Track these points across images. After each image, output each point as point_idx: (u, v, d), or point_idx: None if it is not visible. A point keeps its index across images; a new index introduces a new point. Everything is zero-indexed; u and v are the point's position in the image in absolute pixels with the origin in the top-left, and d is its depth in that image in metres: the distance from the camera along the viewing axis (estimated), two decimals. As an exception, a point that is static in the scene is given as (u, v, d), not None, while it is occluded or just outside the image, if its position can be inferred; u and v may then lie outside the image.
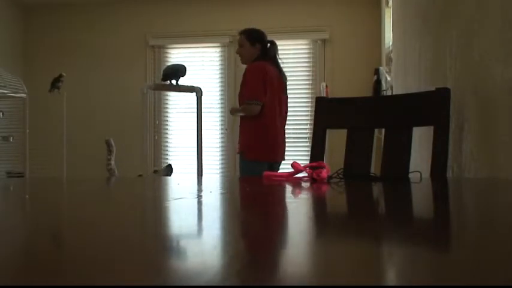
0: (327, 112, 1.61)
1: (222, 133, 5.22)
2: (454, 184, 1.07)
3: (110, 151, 4.15)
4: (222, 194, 0.79)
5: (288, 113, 5.14)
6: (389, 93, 3.87)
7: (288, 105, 5.50)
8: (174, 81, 3.45)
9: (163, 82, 3.58)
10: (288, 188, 0.86)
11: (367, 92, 4.62)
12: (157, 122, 5.33)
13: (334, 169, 1.07)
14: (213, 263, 0.28)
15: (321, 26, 5.09)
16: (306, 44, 5.18)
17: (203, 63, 5.32)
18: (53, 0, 5.43)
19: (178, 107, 5.37)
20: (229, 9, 5.23)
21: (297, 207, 0.61)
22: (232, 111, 3.17)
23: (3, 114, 4.49)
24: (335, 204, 0.70)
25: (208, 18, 5.23)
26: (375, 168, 1.82)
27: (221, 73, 5.24)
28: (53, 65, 5.22)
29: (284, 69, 5.18)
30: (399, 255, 0.31)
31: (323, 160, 1.53)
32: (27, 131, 4.54)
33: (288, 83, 5.17)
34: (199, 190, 0.85)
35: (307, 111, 5.08)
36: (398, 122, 1.47)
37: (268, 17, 5.17)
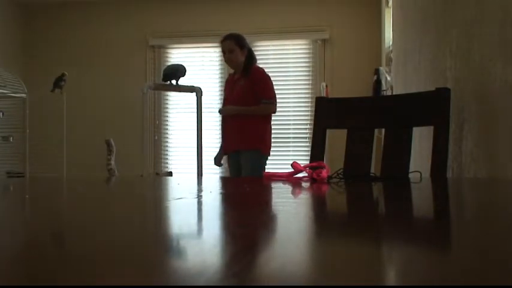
0: (327, 112, 1.61)
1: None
2: (454, 184, 1.07)
3: (110, 151, 4.15)
4: (222, 194, 0.79)
5: (288, 113, 5.17)
6: (389, 93, 3.87)
7: (288, 105, 5.51)
8: (174, 82, 3.45)
9: (163, 82, 3.58)
10: (288, 188, 0.86)
11: (367, 92, 4.62)
12: (157, 122, 5.33)
13: (334, 169, 1.07)
14: (213, 263, 0.28)
15: (321, 26, 5.09)
16: (306, 44, 5.18)
17: (203, 63, 5.32)
18: (53, 0, 5.43)
19: (178, 107, 5.37)
20: (229, 9, 5.23)
21: (297, 207, 0.61)
22: (246, 111, 3.16)
23: (3, 114, 4.49)
24: (335, 204, 0.70)
25: (208, 18, 5.23)
26: (375, 168, 1.82)
27: (221, 73, 5.24)
28: (53, 65, 5.21)
29: (284, 69, 5.21)
30: (399, 255, 0.31)
31: (323, 160, 1.53)
32: (27, 131, 4.54)
33: (288, 83, 5.21)
34: (199, 190, 0.85)
35: (307, 111, 5.07)
36: (398, 122, 1.47)
37: (268, 17, 5.17)
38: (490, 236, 0.38)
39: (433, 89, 1.43)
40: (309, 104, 5.05)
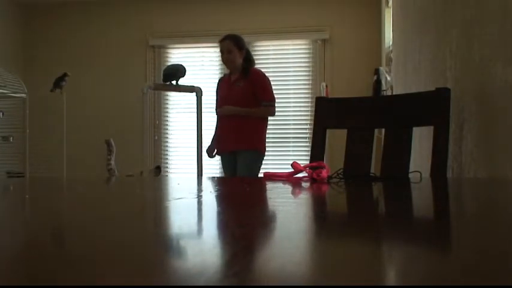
0: (327, 112, 1.61)
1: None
2: (454, 184, 1.07)
3: (110, 151, 4.15)
4: (221, 194, 0.79)
5: (288, 113, 5.17)
6: (389, 93, 3.87)
7: (288, 105, 5.52)
8: (174, 82, 3.45)
9: (163, 83, 3.58)
10: (288, 188, 0.86)
11: (367, 92, 4.62)
12: (157, 122, 5.33)
13: (334, 169, 1.07)
14: (213, 263, 0.28)
15: (321, 26, 5.09)
16: (306, 44, 5.18)
17: (203, 63, 5.32)
18: (53, 0, 5.43)
19: (178, 107, 5.37)
20: (229, 9, 5.23)
21: (297, 207, 0.61)
22: (247, 113, 3.17)
23: (3, 114, 4.49)
24: (335, 204, 0.70)
25: (208, 18, 5.23)
26: (375, 168, 1.82)
27: (221, 73, 5.24)
28: (53, 65, 5.21)
29: (284, 69, 5.21)
30: (399, 255, 0.31)
31: (323, 160, 1.53)
32: (27, 131, 4.54)
33: (287, 83, 5.21)
34: (199, 190, 0.85)
35: (307, 111, 5.08)
36: (398, 122, 1.47)
37: (268, 17, 5.17)
38: (490, 236, 0.38)
39: (433, 89, 1.43)
40: (309, 104, 5.05)
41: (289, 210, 0.57)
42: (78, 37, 5.49)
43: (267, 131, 5.21)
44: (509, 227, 0.42)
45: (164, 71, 3.57)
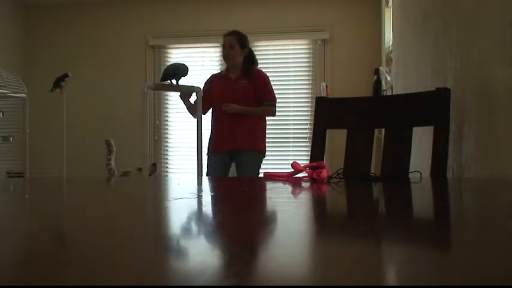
0: (327, 112, 1.61)
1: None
2: (454, 184, 1.07)
3: (110, 151, 4.15)
4: (221, 194, 0.79)
5: (288, 113, 5.17)
6: (389, 93, 3.87)
7: (288, 105, 5.51)
8: (174, 81, 3.41)
9: (162, 82, 3.56)
10: (288, 188, 0.86)
11: (367, 92, 4.62)
12: (157, 122, 5.33)
13: (334, 169, 1.07)
14: (213, 263, 0.28)
15: (321, 26, 5.09)
16: (306, 44, 5.18)
17: (203, 63, 5.32)
18: (53, 0, 5.43)
19: (178, 107, 5.36)
20: (229, 9, 5.23)
21: (297, 207, 0.61)
22: (251, 112, 3.15)
23: (3, 114, 4.49)
24: (335, 204, 0.70)
25: (208, 18, 5.23)
26: (375, 168, 1.82)
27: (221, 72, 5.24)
28: (53, 65, 5.21)
29: (284, 69, 5.21)
30: (399, 255, 0.31)
31: (323, 160, 1.53)
32: (27, 131, 4.54)
33: (287, 83, 5.21)
34: (199, 190, 0.85)
35: (307, 111, 5.07)
36: (398, 122, 1.47)
37: (268, 17, 5.17)
38: (490, 236, 0.38)
39: (433, 89, 1.43)
40: (309, 104, 5.05)
41: (289, 210, 0.57)
42: (78, 37, 5.49)
43: (267, 130, 5.23)
44: (509, 227, 0.42)
45: (165, 70, 3.54)
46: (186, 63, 3.51)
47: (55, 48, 5.50)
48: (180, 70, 3.20)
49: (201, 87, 3.63)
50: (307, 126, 5.06)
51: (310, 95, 5.09)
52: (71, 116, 4.79)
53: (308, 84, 5.15)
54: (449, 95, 1.38)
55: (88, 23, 5.49)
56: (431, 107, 1.40)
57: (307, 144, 4.94)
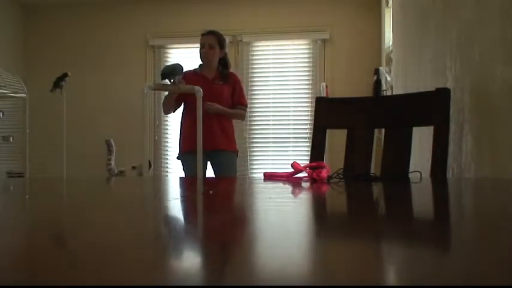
0: (327, 112, 1.61)
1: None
2: (454, 184, 1.07)
3: (110, 151, 4.15)
4: (221, 194, 0.79)
5: (288, 113, 5.17)
6: (389, 93, 3.87)
7: (288, 105, 5.50)
8: (172, 80, 3.35)
9: (161, 81, 3.52)
10: (288, 188, 0.86)
11: (367, 92, 4.62)
12: (157, 122, 5.33)
13: (334, 169, 1.07)
14: (213, 263, 0.28)
15: (321, 26, 5.09)
16: (306, 44, 5.18)
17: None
18: (53, 0, 5.43)
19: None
20: (229, 9, 5.23)
21: (297, 207, 0.61)
22: (225, 112, 3.13)
23: (3, 114, 4.49)
24: (335, 204, 0.70)
25: (208, 18, 5.23)
26: (375, 168, 1.82)
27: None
28: (53, 65, 5.21)
29: (284, 69, 5.21)
30: (399, 255, 0.31)
31: (323, 160, 1.53)
32: (27, 131, 4.54)
33: (287, 83, 5.21)
34: (199, 190, 0.85)
35: (307, 111, 5.08)
36: (398, 122, 1.47)
37: (269, 17, 5.17)
38: (490, 236, 0.38)
39: (433, 89, 1.43)
40: (309, 104, 5.05)
41: (289, 210, 0.57)
42: (78, 37, 5.49)
43: (267, 131, 5.24)
44: (509, 227, 0.42)
45: (162, 70, 3.52)
46: (186, 63, 3.47)
47: (55, 48, 5.50)
48: (176, 69, 3.19)
49: (201, 88, 3.61)
50: (307, 126, 5.06)
51: (310, 95, 5.09)
52: (71, 116, 4.79)
53: (308, 84, 5.15)
54: (449, 95, 1.38)
55: (88, 23, 5.49)
56: (431, 107, 1.40)
57: (307, 144, 4.94)
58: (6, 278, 0.24)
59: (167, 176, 5.40)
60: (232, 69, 3.46)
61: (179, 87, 3.28)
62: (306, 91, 5.15)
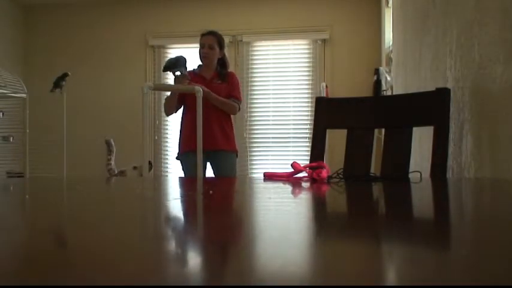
0: (327, 112, 1.61)
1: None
2: (454, 184, 1.07)
3: (110, 151, 4.15)
4: (221, 194, 0.79)
5: (288, 113, 5.17)
6: (389, 93, 3.87)
7: (288, 105, 5.50)
8: (178, 73, 3.29)
9: (164, 73, 3.48)
10: (288, 188, 0.86)
11: (367, 92, 4.62)
12: (157, 122, 5.33)
13: (334, 169, 1.07)
14: (212, 263, 0.28)
15: (321, 26, 5.09)
16: (306, 44, 5.18)
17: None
18: (53, 0, 5.43)
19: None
20: (229, 9, 5.23)
21: (297, 207, 0.61)
22: (216, 100, 3.11)
23: (3, 114, 4.49)
24: (335, 204, 0.70)
25: (208, 18, 5.23)
26: (374, 168, 1.82)
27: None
28: (53, 65, 5.21)
29: (284, 69, 5.21)
30: (399, 255, 0.31)
31: (323, 160, 1.53)
32: (27, 131, 4.54)
33: (287, 83, 5.21)
34: (199, 190, 0.85)
35: (307, 111, 5.08)
36: (398, 122, 1.47)
37: (269, 17, 5.17)
38: (490, 236, 0.38)
39: (433, 89, 1.43)
40: (309, 104, 5.05)
41: (289, 210, 0.57)
42: (78, 37, 5.49)
43: (267, 131, 5.24)
44: (509, 227, 0.42)
45: (165, 63, 3.46)
46: (186, 63, 3.44)
47: (55, 48, 5.51)
48: (179, 61, 3.18)
49: (201, 88, 3.61)
50: (307, 126, 5.06)
51: (310, 95, 5.10)
52: (71, 116, 4.79)
53: (308, 84, 5.15)
54: (449, 95, 1.38)
55: (88, 23, 5.49)
56: (431, 107, 1.40)
57: (307, 144, 4.94)
58: (7, 278, 0.24)
59: (167, 176, 5.40)
60: (232, 69, 3.46)
61: (179, 87, 3.28)
62: (306, 91, 5.15)
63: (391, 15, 3.87)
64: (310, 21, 5.10)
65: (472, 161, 1.31)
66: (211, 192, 0.81)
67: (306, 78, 5.16)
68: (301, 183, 0.96)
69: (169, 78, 5.31)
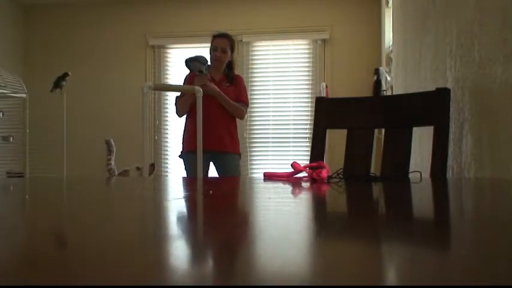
0: (327, 112, 1.61)
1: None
2: (454, 184, 1.07)
3: (110, 151, 4.15)
4: (221, 194, 0.79)
5: (288, 113, 5.18)
6: (389, 93, 3.87)
7: (288, 105, 5.50)
8: (202, 70, 3.25)
9: (188, 69, 3.37)
10: (288, 188, 0.86)
11: (367, 92, 4.62)
12: (157, 122, 5.33)
13: (334, 169, 1.07)
14: (212, 263, 0.28)
15: (321, 26, 5.09)
16: (306, 44, 5.18)
17: (203, 63, 5.32)
18: (53, 0, 5.43)
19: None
20: (229, 9, 5.23)
21: (297, 207, 0.61)
22: (224, 99, 3.09)
23: (3, 114, 4.49)
24: (335, 204, 0.70)
25: (208, 18, 5.23)
26: (375, 168, 1.82)
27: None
28: (53, 65, 5.22)
29: (284, 69, 5.21)
30: (399, 255, 0.31)
31: (323, 160, 1.53)
32: (27, 131, 4.54)
33: (287, 83, 5.21)
34: (199, 190, 0.85)
35: (307, 111, 5.08)
36: (398, 122, 1.47)
37: (269, 17, 5.17)
38: (490, 236, 0.38)
39: (433, 89, 1.43)
40: (309, 104, 5.05)
41: (289, 210, 0.57)
42: (78, 37, 5.49)
43: (267, 131, 5.24)
44: (509, 227, 0.42)
45: (191, 56, 3.38)
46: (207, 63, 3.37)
47: (55, 48, 5.51)
48: (199, 60, 3.16)
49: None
50: (307, 126, 5.06)
51: (310, 95, 5.10)
52: (71, 116, 4.79)
53: (308, 84, 5.15)
54: (449, 95, 1.38)
55: (88, 23, 5.49)
56: (431, 107, 1.40)
57: (307, 144, 4.94)
58: (7, 278, 0.24)
59: (167, 176, 5.40)
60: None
61: (179, 88, 3.28)
62: (306, 91, 5.15)
63: (391, 15, 3.87)
64: (310, 21, 5.10)
65: (472, 161, 1.31)
66: (211, 192, 0.81)
67: (306, 78, 5.17)
68: (301, 183, 0.95)
69: (169, 78, 5.32)
